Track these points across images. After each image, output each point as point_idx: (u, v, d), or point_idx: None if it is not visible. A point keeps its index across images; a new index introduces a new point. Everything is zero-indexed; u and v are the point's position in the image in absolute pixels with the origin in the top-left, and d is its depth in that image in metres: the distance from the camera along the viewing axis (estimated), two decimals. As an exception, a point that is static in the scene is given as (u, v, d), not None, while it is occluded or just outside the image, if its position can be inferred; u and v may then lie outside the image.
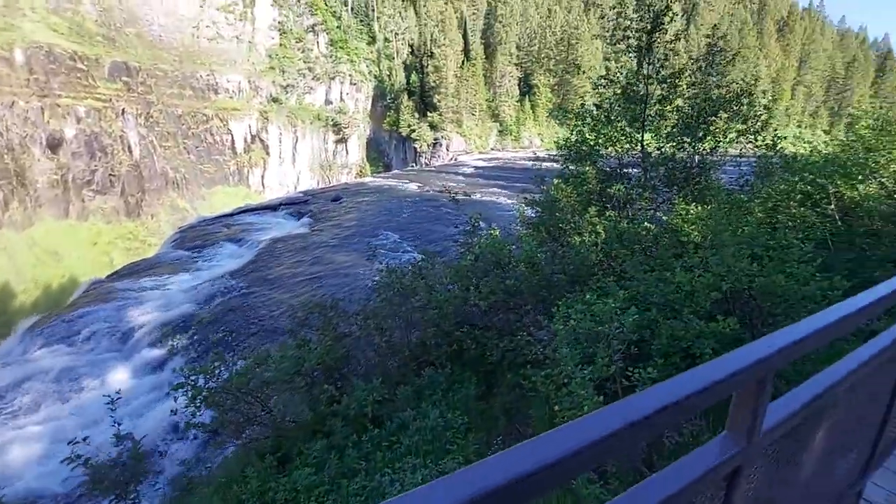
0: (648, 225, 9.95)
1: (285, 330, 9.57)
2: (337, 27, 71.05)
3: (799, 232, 9.57)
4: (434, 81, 69.72)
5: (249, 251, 19.91)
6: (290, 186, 62.99)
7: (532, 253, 9.27)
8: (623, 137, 12.38)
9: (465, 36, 77.74)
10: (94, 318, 14.25)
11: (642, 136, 12.42)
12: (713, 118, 12.33)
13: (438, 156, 68.89)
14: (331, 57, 69.24)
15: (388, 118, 71.71)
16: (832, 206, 10.66)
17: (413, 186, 34.67)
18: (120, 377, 11.11)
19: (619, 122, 12.49)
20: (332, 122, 67.57)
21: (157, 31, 56.56)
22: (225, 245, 21.16)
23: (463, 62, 72.54)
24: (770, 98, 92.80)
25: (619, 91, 12.55)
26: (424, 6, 77.05)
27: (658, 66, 12.29)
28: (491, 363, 9.03)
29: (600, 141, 12.24)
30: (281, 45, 66.23)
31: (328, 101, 68.84)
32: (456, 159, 66.62)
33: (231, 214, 27.34)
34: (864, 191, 9.20)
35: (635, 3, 13.25)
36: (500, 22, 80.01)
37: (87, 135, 46.17)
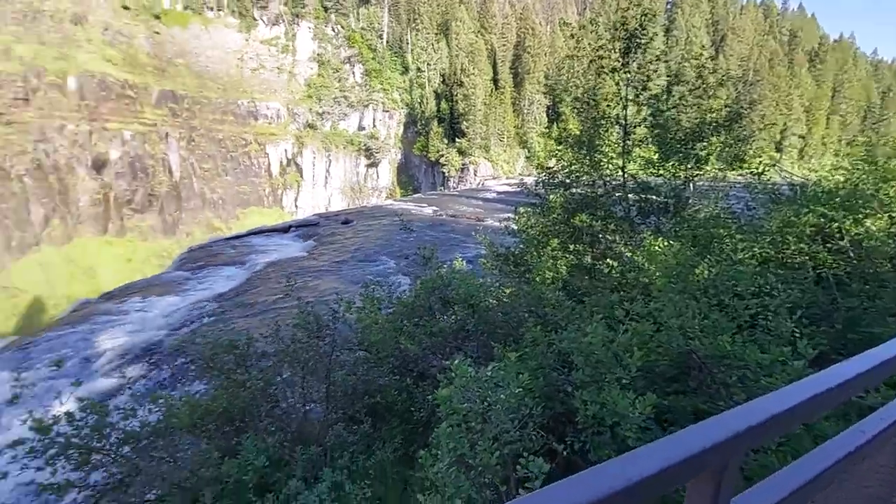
0: (611, 262, 8.43)
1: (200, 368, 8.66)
2: (372, 58, 72.71)
3: (807, 271, 7.87)
4: (463, 109, 69.73)
5: (243, 274, 19.48)
6: (321, 208, 63.84)
7: (473, 290, 7.94)
8: (603, 162, 10.96)
9: (494, 66, 77.84)
10: (63, 342, 13.91)
11: (623, 163, 10.95)
12: (699, 142, 10.75)
13: (466, 180, 68.34)
14: (365, 86, 70.70)
15: (418, 143, 72.11)
16: (845, 242, 8.84)
17: (429, 210, 33.95)
18: (67, 408, 10.51)
19: (599, 146, 11.10)
20: (364, 147, 68.51)
21: (205, 62, 59.44)
22: (224, 267, 20.89)
23: (491, 91, 72.38)
24: (805, 127, 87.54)
25: (596, 114, 11.23)
26: (456, 38, 77.89)
27: (639, 87, 10.92)
28: (419, 421, 7.64)
29: (573, 166, 10.85)
30: (319, 74, 68.25)
31: (361, 127, 70.02)
32: (483, 184, 65.84)
33: (243, 235, 27.40)
34: (873, 226, 7.38)
35: (611, 21, 11.96)
36: (529, 52, 79.71)
37: (132, 157, 48.39)
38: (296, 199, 62.53)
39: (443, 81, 77.73)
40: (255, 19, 64.28)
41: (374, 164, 69.35)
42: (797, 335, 5.26)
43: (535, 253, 10.08)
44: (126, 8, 53.15)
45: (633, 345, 4.87)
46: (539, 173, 11.77)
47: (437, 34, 78.76)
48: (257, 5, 64.36)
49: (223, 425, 7.32)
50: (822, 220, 9.22)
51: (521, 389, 4.56)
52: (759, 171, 10.57)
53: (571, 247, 9.64)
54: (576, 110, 11.58)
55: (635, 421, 4.44)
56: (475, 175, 68.41)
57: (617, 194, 10.62)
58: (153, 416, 7.36)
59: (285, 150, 62.41)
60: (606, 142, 11.00)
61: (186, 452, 7.07)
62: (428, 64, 76.97)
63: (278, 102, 63.46)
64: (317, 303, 13.37)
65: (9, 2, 43.72)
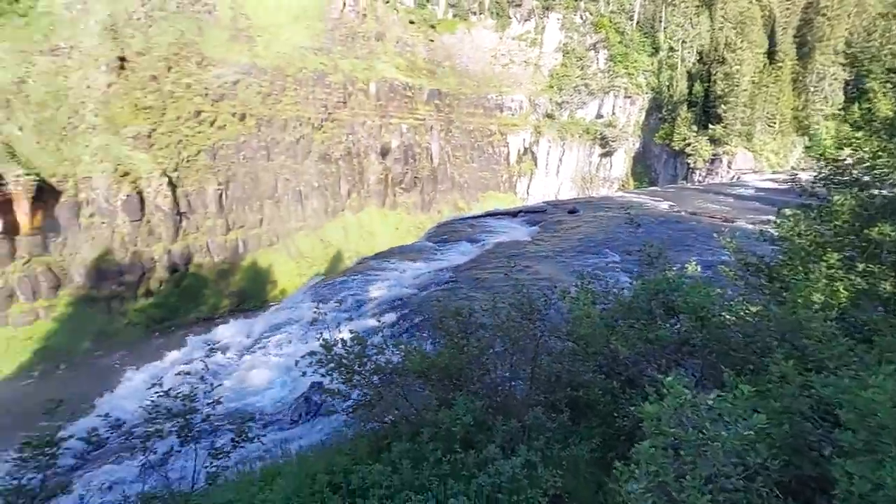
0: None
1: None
2: (619, 42, 67.97)
3: None
4: (722, 90, 58.89)
5: (475, 251, 21.38)
6: (551, 196, 64.42)
7: (705, 300, 6.81)
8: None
9: (771, 35, 62.64)
10: (348, 285, 18.06)
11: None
12: None
13: (716, 173, 58.21)
14: (608, 72, 66.89)
15: (661, 131, 64.70)
16: None
17: (664, 206, 30.33)
18: (344, 336, 13.72)
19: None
20: (599, 136, 65.49)
21: (465, 62, 66.04)
22: (461, 243, 23.35)
23: (763, 66, 58.72)
24: None
25: None
26: (722, 8, 65.55)
27: None
28: (622, 428, 7.11)
29: (879, 159, 8.03)
30: (562, 64, 67.84)
31: (599, 115, 66.91)
32: (738, 178, 54.90)
33: (479, 216, 29.96)
34: None
35: None
36: (824, 14, 61.10)
37: (405, 145, 57.98)
38: (528, 187, 64.63)
39: (699, 60, 67.09)
40: (509, 18, 67.75)
41: (608, 154, 65.65)
42: None
43: (799, 268, 7.96)
44: (412, 22, 63.12)
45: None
46: (821, 167, 9.17)
47: (698, 6, 67.99)
48: (512, 4, 67.55)
49: (443, 379, 8.25)
50: None
51: (752, 432, 3.73)
52: None
53: (860, 266, 7.24)
54: (889, 85, 8.44)
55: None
56: (728, 167, 57.52)
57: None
58: (395, 357, 8.62)
59: (523, 140, 64.79)
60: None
61: (414, 393, 8.29)
62: (683, 42, 67.48)
63: (522, 94, 65.93)
64: (531, 286, 13.65)
65: (336, 28, 57.20)
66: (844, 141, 8.99)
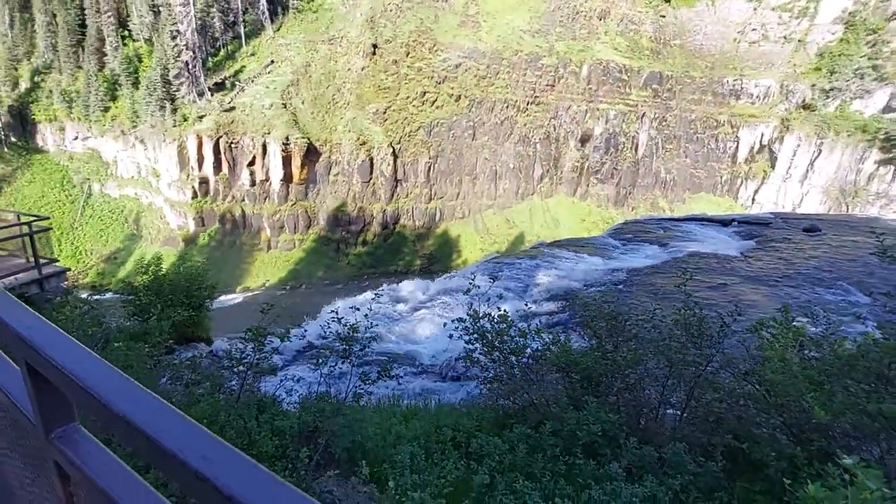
0: None
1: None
2: (949, 7, 48.79)
3: None
4: None
5: (663, 256, 18.88)
6: (786, 207, 52.04)
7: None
8: None
9: None
10: (519, 267, 18.17)
11: None
12: None
13: None
14: (918, 49, 48.99)
15: None
16: None
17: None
18: (493, 312, 14.09)
19: None
20: (883, 136, 49.19)
21: (700, 40, 57.19)
22: (648, 245, 20.92)
23: None
24: None
25: None
26: None
27: None
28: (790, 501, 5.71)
29: None
30: (842, 39, 52.60)
31: (888, 109, 50.05)
32: None
33: (679, 219, 26.08)
34: None
35: None
36: None
37: (609, 133, 54.27)
38: (755, 192, 53.34)
39: None
40: (772, -16, 55.19)
41: (891, 161, 48.87)
42: None
43: None
44: (643, -2, 57.35)
45: None
46: None
47: None
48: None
49: (582, 380, 7.81)
50: None
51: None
52: None
53: None
54: None
55: None
56: None
57: None
58: (535, 344, 8.46)
59: (761, 134, 53.27)
60: None
61: (549, 385, 8.08)
62: None
63: (771, 79, 53.88)
64: (711, 307, 11.59)
65: (560, 7, 55.86)
66: None
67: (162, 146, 51.01)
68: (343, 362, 6.80)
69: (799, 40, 53.97)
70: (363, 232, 56.36)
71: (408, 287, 18.80)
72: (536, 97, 55.63)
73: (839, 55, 51.64)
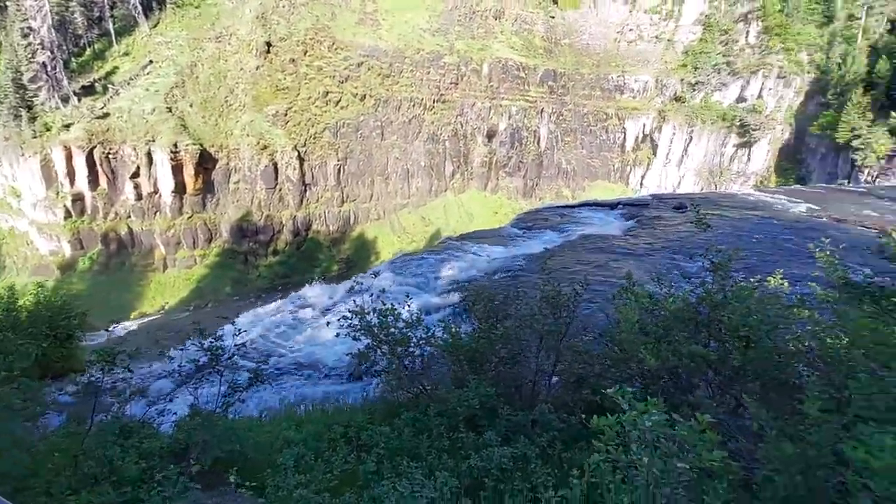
0: None
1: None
2: (779, 11, 57.88)
3: None
4: (919, 68, 47.15)
5: (558, 240, 20.51)
6: (669, 189, 58.54)
7: (755, 321, 5.90)
8: None
9: None
10: (426, 262, 18.71)
11: None
12: None
13: (893, 173, 47.46)
14: (759, 47, 57.60)
15: (821, 119, 54.28)
16: None
17: (802, 208, 25.59)
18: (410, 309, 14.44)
19: None
20: (738, 123, 57.18)
21: (586, 39, 62.13)
22: (546, 231, 22.58)
23: None
24: None
25: None
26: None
27: None
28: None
29: None
30: (701, 39, 60.17)
31: (741, 99, 58.27)
32: (926, 180, 44.11)
33: (574, 206, 28.44)
34: None
35: None
36: None
37: (513, 128, 57.07)
38: (643, 177, 59.39)
39: (890, 30, 54.34)
40: (643, -11, 61.64)
41: (746, 144, 57.07)
42: None
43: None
44: (534, -1, 60.99)
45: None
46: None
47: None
48: (649, -26, 61.24)
49: (468, 361, 8.32)
50: None
51: (699, 467, 3.28)
52: None
53: None
54: None
55: None
56: (915, 165, 46.37)
57: None
58: (419, 332, 8.73)
59: (643, 125, 59.36)
60: None
61: (439, 370, 8.51)
62: (869, 7, 55.11)
63: (648, 75, 60.16)
64: (603, 284, 12.83)
65: (457, 7, 57.60)
66: None
67: (20, 161, 44.48)
68: (213, 374, 6.65)
69: (668, 40, 60.82)
70: (273, 241, 53.78)
71: (313, 292, 18.47)
72: (442, 95, 56.89)
73: (700, 53, 59.09)
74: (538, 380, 7.95)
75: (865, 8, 55.35)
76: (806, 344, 6.16)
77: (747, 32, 58.76)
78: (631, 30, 61.09)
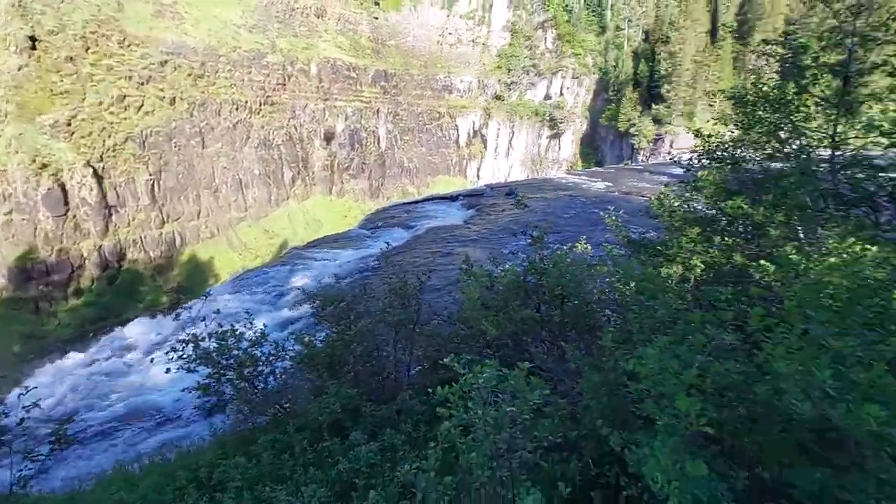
0: (766, 265, 6.29)
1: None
2: (566, 21, 68.41)
3: None
4: (666, 69, 60.64)
5: (407, 236, 21.20)
6: (501, 178, 64.80)
7: (564, 280, 6.89)
8: (799, 127, 8.07)
9: (714, 13, 64.74)
10: (271, 276, 17.53)
11: (834, 131, 7.89)
12: None
13: (659, 153, 60.21)
14: (555, 52, 67.36)
15: (607, 112, 66.08)
16: None
17: (601, 186, 31.07)
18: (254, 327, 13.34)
19: (795, 105, 8.18)
20: (548, 118, 66.13)
21: (411, 41, 64.68)
22: (395, 229, 23.11)
23: (705, 45, 60.78)
24: None
25: (804, 56, 8.27)
26: (666, -14, 67.16)
27: (883, 18, 7.61)
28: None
29: (749, 133, 8.32)
30: (510, 44, 67.69)
31: (547, 97, 67.48)
32: (679, 157, 56.96)
33: (418, 201, 29.66)
34: None
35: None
36: (766, -9, 63.74)
37: (351, 130, 56.54)
38: (479, 169, 64.68)
39: (645, 39, 68.63)
40: (457, -5, 66.68)
41: (556, 136, 66.51)
42: None
43: (668, 243, 8.20)
44: (355, -1, 61.03)
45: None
46: (701, 144, 9.43)
47: (643, -15, 69.30)
48: (460, -19, 66.45)
49: (324, 370, 8.07)
50: None
51: (530, 411, 3.74)
52: None
53: (718, 239, 7.50)
54: (762, 55, 8.74)
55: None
56: (671, 147, 59.58)
57: (818, 170, 7.75)
58: (267, 348, 8.21)
59: (473, 122, 64.54)
60: (808, 99, 8.04)
61: (299, 385, 8.07)
62: (629, 21, 68.74)
63: (471, 76, 65.43)
64: (450, 270, 13.50)
65: (272, 3, 54.54)
66: (720, 117, 9.31)
67: None
68: None
69: (483, 44, 66.96)
70: (73, 280, 43.98)
71: (135, 331, 15.76)
72: (269, 97, 53.28)
73: (511, 56, 66.52)
74: (398, 370, 8.13)
75: (626, 21, 68.85)
76: (607, 293, 7.50)
77: (545, 38, 68.11)
78: (450, 33, 65.57)
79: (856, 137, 7.37)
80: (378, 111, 58.73)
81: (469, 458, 4.00)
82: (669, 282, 6.70)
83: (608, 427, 4.24)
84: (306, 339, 8.36)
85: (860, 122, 7.53)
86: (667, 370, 3.78)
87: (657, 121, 60.85)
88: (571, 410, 5.48)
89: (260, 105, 51.85)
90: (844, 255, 4.64)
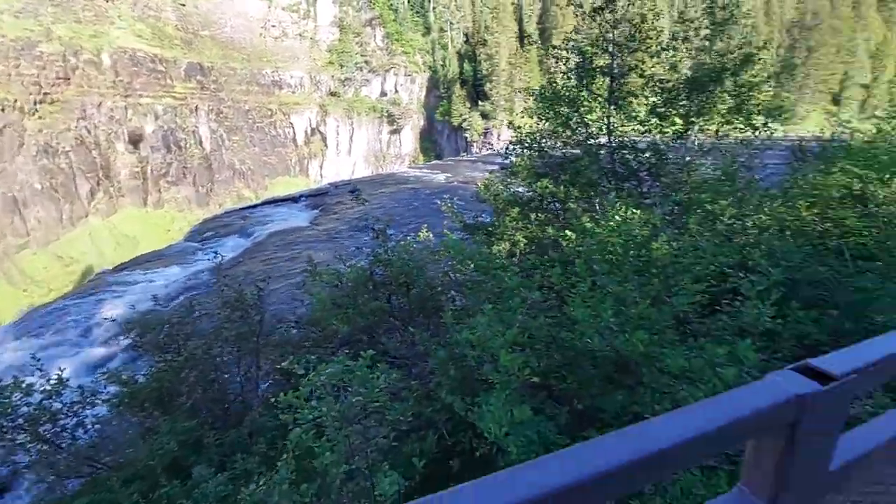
0: (570, 234, 7.36)
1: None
2: (393, 20, 69.90)
3: (830, 241, 6.68)
4: (486, 69, 66.49)
5: (245, 244, 19.46)
6: (345, 176, 63.54)
7: (406, 267, 7.14)
8: (584, 119, 9.63)
9: (520, 21, 73.16)
10: (73, 311, 14.34)
11: (608, 121, 9.59)
12: (700, 94, 9.25)
13: (489, 145, 65.99)
14: (386, 50, 68.40)
15: (441, 108, 69.81)
16: (871, 206, 7.39)
17: (441, 177, 32.90)
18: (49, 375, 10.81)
19: (580, 100, 9.73)
20: (386, 114, 67.00)
21: (229, 32, 58.81)
22: (230, 238, 20.99)
23: (516, 49, 68.37)
24: (869, 75, 78.37)
25: (578, 61, 9.84)
26: (479, -7, 73.50)
27: (632, 30, 9.45)
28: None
29: (548, 125, 9.61)
30: (340, 40, 66.44)
31: (383, 93, 68.28)
32: (507, 148, 63.41)
33: (256, 205, 27.38)
34: None
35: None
36: (557, 5, 74.28)
37: (165, 130, 49.18)
38: (321, 168, 62.45)
39: (466, 41, 74.13)
40: (276, -15, 62.54)
41: (396, 131, 67.90)
42: (780, 323, 4.26)
43: (500, 222, 9.14)
44: (151, -18, 52.72)
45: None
46: (517, 135, 10.62)
47: (459, -9, 74.55)
48: (278, -29, 62.46)
49: (153, 407, 7.02)
50: (853, 180, 7.82)
51: (384, 398, 3.82)
52: (761, 124, 8.96)
53: (533, 216, 8.58)
54: (554, 58, 10.24)
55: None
56: (499, 139, 65.84)
57: (600, 153, 9.36)
58: (113, 388, 7.07)
59: (309, 119, 61.88)
60: (589, 96, 9.66)
61: (114, 432, 6.86)
62: (451, 23, 73.37)
63: (301, 71, 62.47)
64: (296, 275, 12.83)
65: (40, -18, 44.13)
66: (526, 111, 10.64)
67: None
68: None
69: (311, 38, 64.38)
70: None
71: None
72: (47, 94, 42.92)
73: (342, 52, 65.35)
74: (246, 389, 7.51)
75: (448, 23, 73.27)
76: (449, 275, 8.01)
77: (375, 36, 68.55)
78: (274, 26, 61.46)
79: (622, 126, 9.17)
80: (196, 109, 52.15)
81: (324, 459, 3.93)
82: (499, 258, 7.44)
83: (453, 396, 4.57)
84: (124, 376, 7.16)
85: (624, 114, 9.37)
86: (494, 334, 4.23)
87: (485, 115, 66.50)
88: (426, 390, 5.76)
89: (35, 104, 41.65)
90: (618, 218, 5.78)
